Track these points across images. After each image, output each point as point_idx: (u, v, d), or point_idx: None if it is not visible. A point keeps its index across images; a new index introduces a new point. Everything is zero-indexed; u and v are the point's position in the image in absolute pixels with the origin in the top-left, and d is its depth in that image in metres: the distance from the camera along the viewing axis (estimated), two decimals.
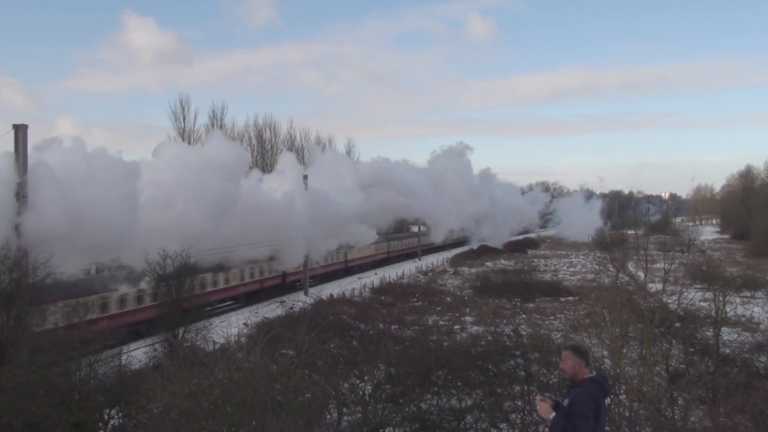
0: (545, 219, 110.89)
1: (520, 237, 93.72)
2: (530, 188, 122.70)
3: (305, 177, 43.42)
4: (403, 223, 73.55)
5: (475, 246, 75.92)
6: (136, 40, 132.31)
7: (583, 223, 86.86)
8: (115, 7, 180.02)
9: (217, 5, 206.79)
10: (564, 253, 74.43)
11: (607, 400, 7.10)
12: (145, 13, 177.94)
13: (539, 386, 11.62)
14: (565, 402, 5.62)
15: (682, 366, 15.15)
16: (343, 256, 52.22)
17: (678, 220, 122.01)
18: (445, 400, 12.55)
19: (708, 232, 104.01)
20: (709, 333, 18.65)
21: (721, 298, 19.44)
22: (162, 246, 24.13)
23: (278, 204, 37.94)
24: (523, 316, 30.37)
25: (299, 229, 38.69)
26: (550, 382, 11.80)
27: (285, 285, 42.80)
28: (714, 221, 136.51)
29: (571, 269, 56.43)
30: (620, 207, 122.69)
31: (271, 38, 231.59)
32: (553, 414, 5.48)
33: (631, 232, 53.23)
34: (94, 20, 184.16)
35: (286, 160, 48.54)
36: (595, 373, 5.75)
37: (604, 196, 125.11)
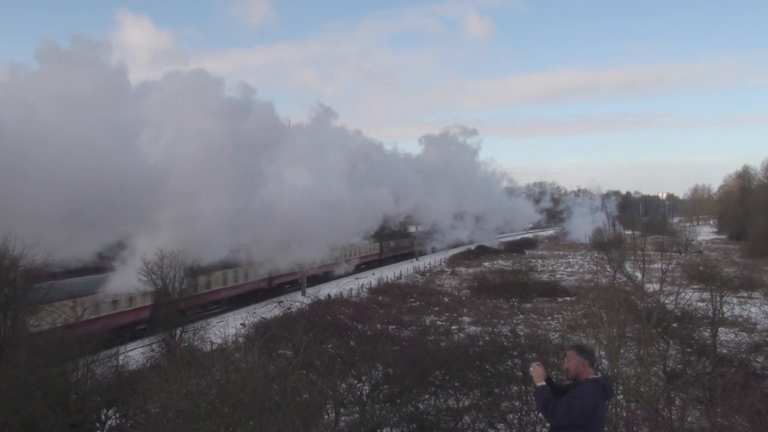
0: (554, 218, 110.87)
1: (518, 237, 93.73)
2: (528, 188, 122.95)
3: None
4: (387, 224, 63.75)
5: (472, 246, 75.92)
6: (131, 39, 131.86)
7: (594, 223, 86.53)
8: (109, 5, 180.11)
9: (213, 4, 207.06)
10: (561, 253, 74.49)
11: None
12: (140, 11, 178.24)
13: None
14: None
15: (679, 366, 15.21)
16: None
17: (675, 220, 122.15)
18: (442, 400, 12.55)
19: (705, 233, 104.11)
20: (707, 333, 18.70)
21: (718, 299, 19.48)
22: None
23: (292, 199, 36.47)
24: (521, 316, 30.39)
25: (313, 228, 37.31)
26: None
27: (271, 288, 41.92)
28: (711, 222, 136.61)
29: (569, 269, 56.48)
30: (618, 207, 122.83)
31: (268, 38, 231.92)
32: (542, 382, 5.38)
33: (628, 232, 53.26)
34: (89, 19, 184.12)
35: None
36: (600, 375, 5.66)
37: (601, 196, 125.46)
